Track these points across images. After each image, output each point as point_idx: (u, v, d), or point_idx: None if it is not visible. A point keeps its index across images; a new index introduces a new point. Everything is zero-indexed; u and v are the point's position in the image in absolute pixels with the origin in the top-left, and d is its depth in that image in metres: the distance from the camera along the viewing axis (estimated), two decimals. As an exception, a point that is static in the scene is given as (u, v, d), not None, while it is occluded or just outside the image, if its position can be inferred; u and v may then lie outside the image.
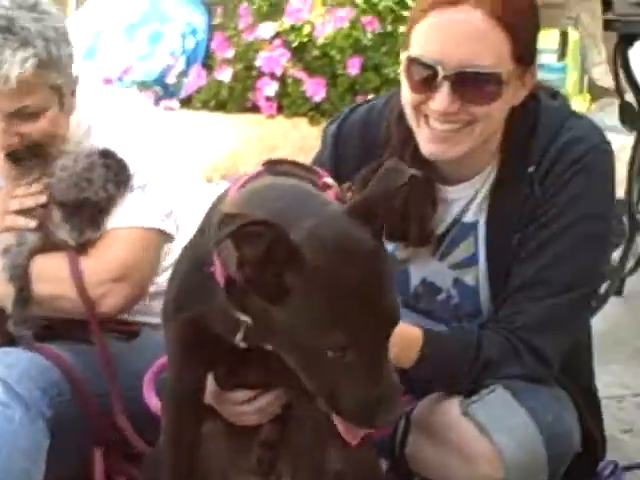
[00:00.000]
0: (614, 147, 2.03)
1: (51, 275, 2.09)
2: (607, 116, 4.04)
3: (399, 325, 1.57)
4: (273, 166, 1.69)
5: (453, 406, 1.99)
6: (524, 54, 1.92)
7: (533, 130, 1.99)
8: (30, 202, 2.10)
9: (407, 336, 1.93)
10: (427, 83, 1.90)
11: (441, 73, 1.87)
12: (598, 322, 3.00)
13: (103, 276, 2.08)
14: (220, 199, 1.68)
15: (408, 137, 2.00)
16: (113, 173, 2.09)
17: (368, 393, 1.45)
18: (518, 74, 1.93)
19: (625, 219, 3.21)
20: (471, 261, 2.07)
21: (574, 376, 2.10)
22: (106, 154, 2.10)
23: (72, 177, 2.07)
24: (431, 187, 2.04)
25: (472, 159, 2.00)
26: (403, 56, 1.96)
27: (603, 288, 3.08)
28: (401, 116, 2.01)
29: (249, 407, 1.84)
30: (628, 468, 2.32)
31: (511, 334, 1.98)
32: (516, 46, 1.89)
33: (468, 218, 2.06)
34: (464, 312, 2.11)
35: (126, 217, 2.12)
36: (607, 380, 2.68)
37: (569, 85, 4.87)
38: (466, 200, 2.05)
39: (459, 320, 2.12)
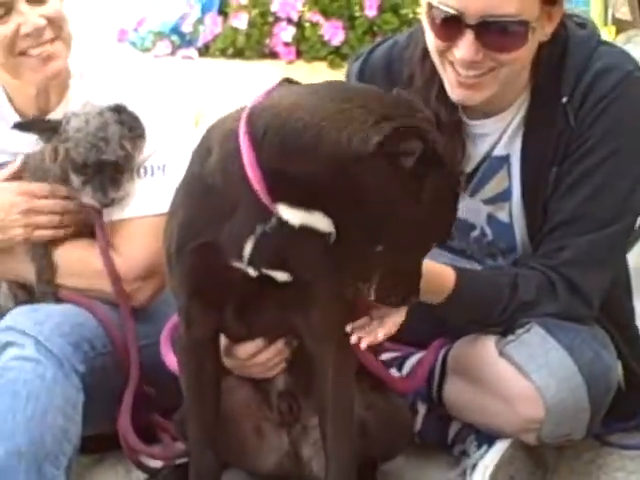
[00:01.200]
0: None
1: (79, 269, 2.10)
2: (634, 48, 3.95)
3: (429, 262, 1.77)
4: (291, 83, 1.67)
5: (489, 347, 1.97)
6: None
7: (563, 59, 1.94)
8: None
9: (438, 271, 1.90)
10: (450, 31, 1.85)
11: (464, 22, 1.81)
12: (633, 258, 2.95)
13: (132, 275, 2.09)
14: (226, 120, 1.66)
15: (433, 76, 1.95)
16: (127, 129, 2.06)
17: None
18: (545, 13, 1.87)
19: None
20: (504, 196, 2.02)
21: (613, 314, 2.06)
22: (117, 109, 2.07)
23: (88, 137, 2.03)
24: (459, 130, 1.99)
25: (501, 96, 1.95)
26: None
27: (638, 223, 3.02)
28: (425, 55, 1.96)
29: (251, 361, 1.83)
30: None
31: (551, 270, 1.94)
32: None
33: (499, 151, 2.01)
34: (498, 249, 2.07)
35: (150, 204, 2.09)
36: (646, 316, 2.63)
37: (594, 17, 4.77)
38: (497, 135, 2.00)
39: (494, 257, 2.08)
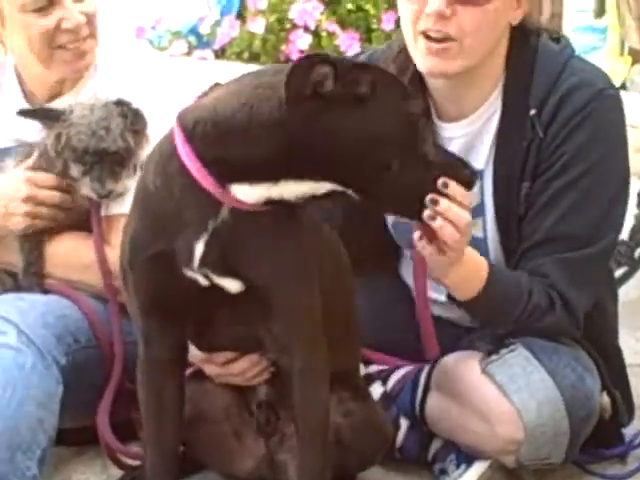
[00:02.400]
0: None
1: (70, 260, 2.10)
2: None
3: (468, 250, 1.78)
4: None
5: (472, 365, 1.96)
6: None
7: (532, 68, 1.93)
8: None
9: (475, 262, 1.87)
10: None
11: None
12: (632, 288, 2.93)
13: None
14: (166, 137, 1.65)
15: (405, 69, 1.96)
16: (130, 122, 2.06)
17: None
18: None
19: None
20: (478, 212, 2.00)
21: (601, 344, 2.05)
22: (121, 103, 2.07)
23: (90, 125, 2.03)
24: (429, 124, 1.98)
25: (470, 86, 1.94)
26: None
27: (638, 253, 3.01)
28: (399, 51, 1.99)
29: (228, 370, 1.81)
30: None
31: (548, 287, 1.92)
32: None
33: (474, 165, 1.98)
34: None
35: None
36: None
37: (609, 47, 4.74)
38: (465, 139, 1.99)
39: None
